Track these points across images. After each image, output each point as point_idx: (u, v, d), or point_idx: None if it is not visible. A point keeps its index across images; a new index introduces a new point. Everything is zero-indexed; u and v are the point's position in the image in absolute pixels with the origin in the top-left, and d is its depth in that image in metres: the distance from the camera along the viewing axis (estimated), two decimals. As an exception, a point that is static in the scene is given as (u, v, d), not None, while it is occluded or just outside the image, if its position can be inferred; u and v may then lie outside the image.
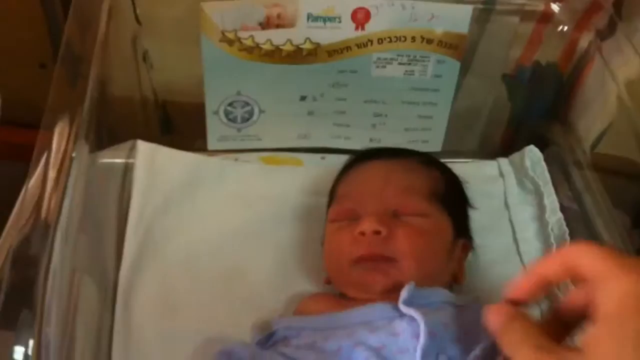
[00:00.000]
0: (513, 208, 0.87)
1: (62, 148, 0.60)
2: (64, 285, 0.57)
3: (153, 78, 0.90)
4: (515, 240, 0.84)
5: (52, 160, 0.60)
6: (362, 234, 0.70)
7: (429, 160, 0.80)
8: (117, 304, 0.73)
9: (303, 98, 0.89)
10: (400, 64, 0.85)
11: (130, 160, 0.86)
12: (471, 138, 0.99)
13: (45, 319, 0.50)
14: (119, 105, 0.85)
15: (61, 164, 0.59)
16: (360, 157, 0.81)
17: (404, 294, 0.63)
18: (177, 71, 0.89)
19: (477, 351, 0.58)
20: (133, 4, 0.82)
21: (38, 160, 0.59)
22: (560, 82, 0.91)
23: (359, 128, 0.93)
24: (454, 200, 0.77)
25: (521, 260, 0.83)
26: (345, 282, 0.72)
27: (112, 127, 0.81)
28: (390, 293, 0.67)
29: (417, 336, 0.59)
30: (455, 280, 0.75)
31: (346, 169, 0.81)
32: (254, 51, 0.82)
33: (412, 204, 0.72)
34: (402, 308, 0.62)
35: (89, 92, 0.66)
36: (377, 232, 0.69)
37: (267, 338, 0.70)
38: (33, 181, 0.57)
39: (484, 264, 0.81)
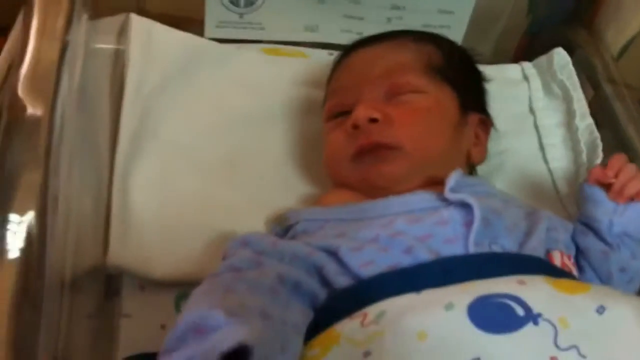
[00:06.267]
0: (539, 113, 0.81)
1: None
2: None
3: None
4: (542, 145, 0.78)
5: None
6: (356, 126, 0.62)
7: (421, 36, 0.71)
8: (114, 188, 0.65)
9: (315, -18, 0.80)
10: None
11: (121, 47, 0.75)
12: (485, 44, 0.92)
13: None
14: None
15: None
16: (346, 50, 0.73)
17: (450, 181, 0.57)
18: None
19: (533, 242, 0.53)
20: None
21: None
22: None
23: (372, 22, 0.85)
24: (457, 72, 0.68)
25: (548, 167, 0.77)
26: (351, 184, 0.64)
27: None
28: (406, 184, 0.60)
29: (468, 224, 0.53)
30: (470, 159, 0.67)
31: (335, 64, 0.73)
32: None
33: (404, 81, 0.64)
34: (449, 195, 0.55)
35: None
36: (372, 120, 0.61)
37: (285, 231, 0.62)
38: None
39: (508, 169, 0.75)
